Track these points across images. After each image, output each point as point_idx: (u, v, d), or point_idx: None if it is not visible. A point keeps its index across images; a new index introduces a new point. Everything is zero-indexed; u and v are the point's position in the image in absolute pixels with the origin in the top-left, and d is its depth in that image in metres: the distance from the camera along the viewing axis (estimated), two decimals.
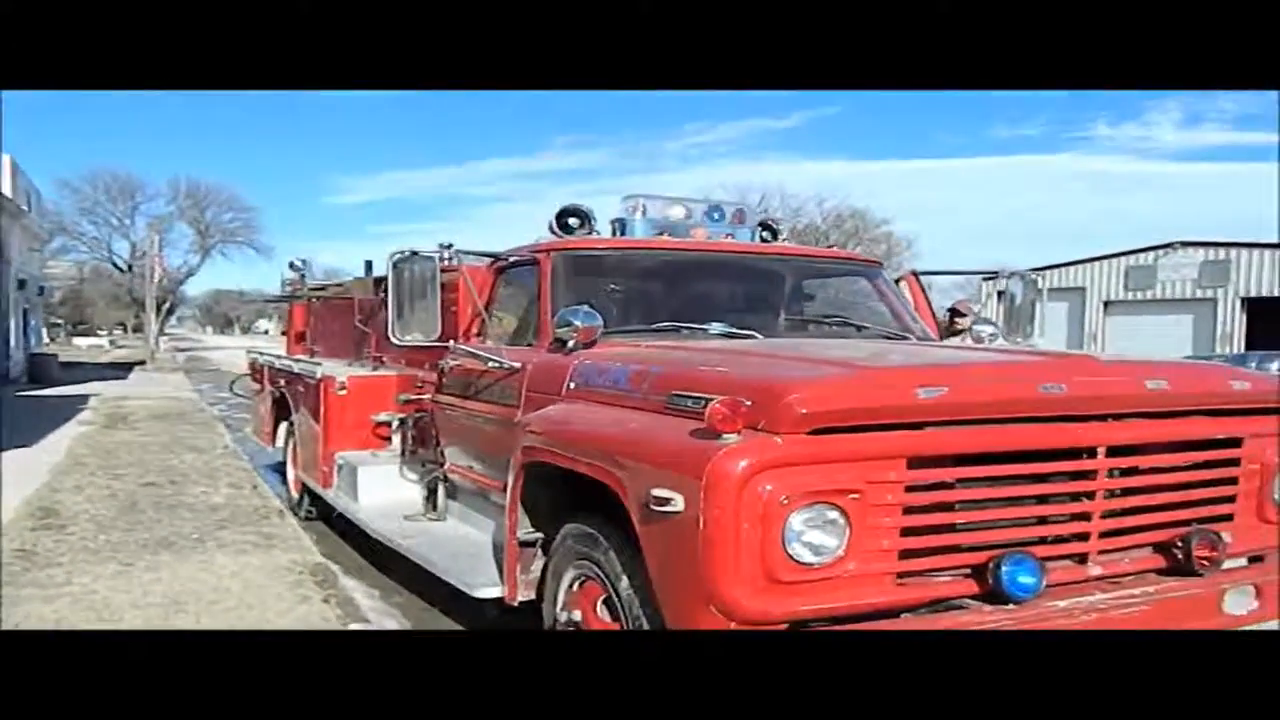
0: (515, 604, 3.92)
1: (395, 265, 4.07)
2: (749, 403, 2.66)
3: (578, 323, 3.80)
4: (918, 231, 58.15)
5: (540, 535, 3.85)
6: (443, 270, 4.40)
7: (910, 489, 2.74)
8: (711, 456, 2.57)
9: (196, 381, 23.30)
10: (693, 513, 2.59)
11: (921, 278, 5.14)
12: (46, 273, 33.98)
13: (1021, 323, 4.97)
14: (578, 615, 3.39)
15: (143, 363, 30.99)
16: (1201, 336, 29.94)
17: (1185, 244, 31.58)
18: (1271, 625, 3.30)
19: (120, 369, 27.59)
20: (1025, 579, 2.80)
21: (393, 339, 4.17)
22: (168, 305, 46.09)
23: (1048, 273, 35.08)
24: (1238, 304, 29.83)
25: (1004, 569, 2.78)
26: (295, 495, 7.40)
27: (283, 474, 7.99)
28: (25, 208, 23.23)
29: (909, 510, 2.75)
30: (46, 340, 36.64)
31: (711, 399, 2.71)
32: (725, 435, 2.61)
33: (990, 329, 4.69)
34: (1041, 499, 3.02)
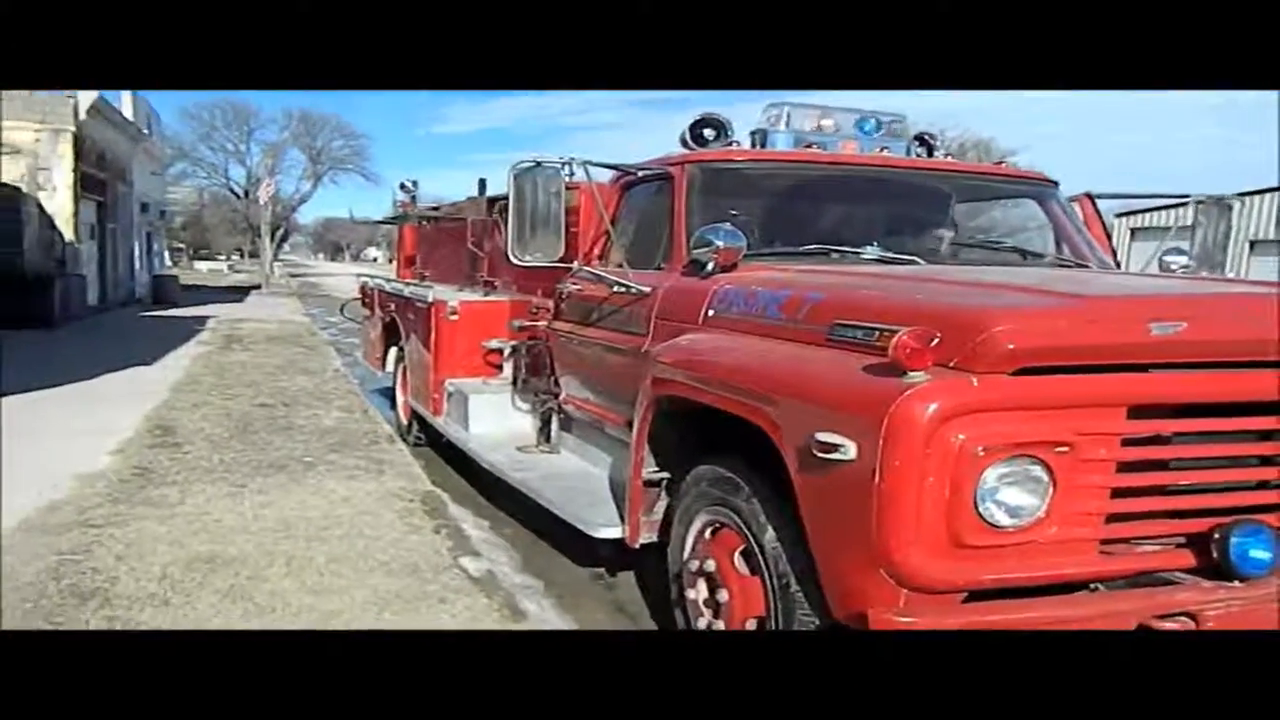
0: (635, 546, 3.64)
1: (516, 177, 3.73)
2: (939, 335, 2.24)
3: (719, 243, 3.39)
4: (1045, 165, 55.10)
5: (666, 475, 3.54)
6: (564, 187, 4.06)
7: (1126, 443, 2.30)
8: (895, 398, 2.17)
9: (309, 306, 23.79)
10: (868, 462, 2.20)
11: (1097, 200, 4.52)
12: (168, 197, 35.03)
13: (1214, 254, 4.36)
14: (711, 565, 3.05)
15: (258, 287, 31.93)
16: None
17: None
18: None
19: (237, 292, 28.44)
20: (1259, 553, 2.33)
21: (512, 258, 3.85)
22: (281, 231, 47.37)
23: (1186, 210, 32.60)
24: None
25: (1233, 539, 2.33)
26: (404, 421, 7.30)
27: (391, 399, 7.91)
28: (145, 131, 23.77)
29: (1123, 468, 2.31)
30: (169, 263, 38.03)
31: (889, 329, 2.30)
32: (911, 373, 2.20)
33: (1182, 259, 4.10)
34: (1275, 459, 2.53)
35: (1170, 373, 2.32)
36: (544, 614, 3.84)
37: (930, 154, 4.58)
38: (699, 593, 3.14)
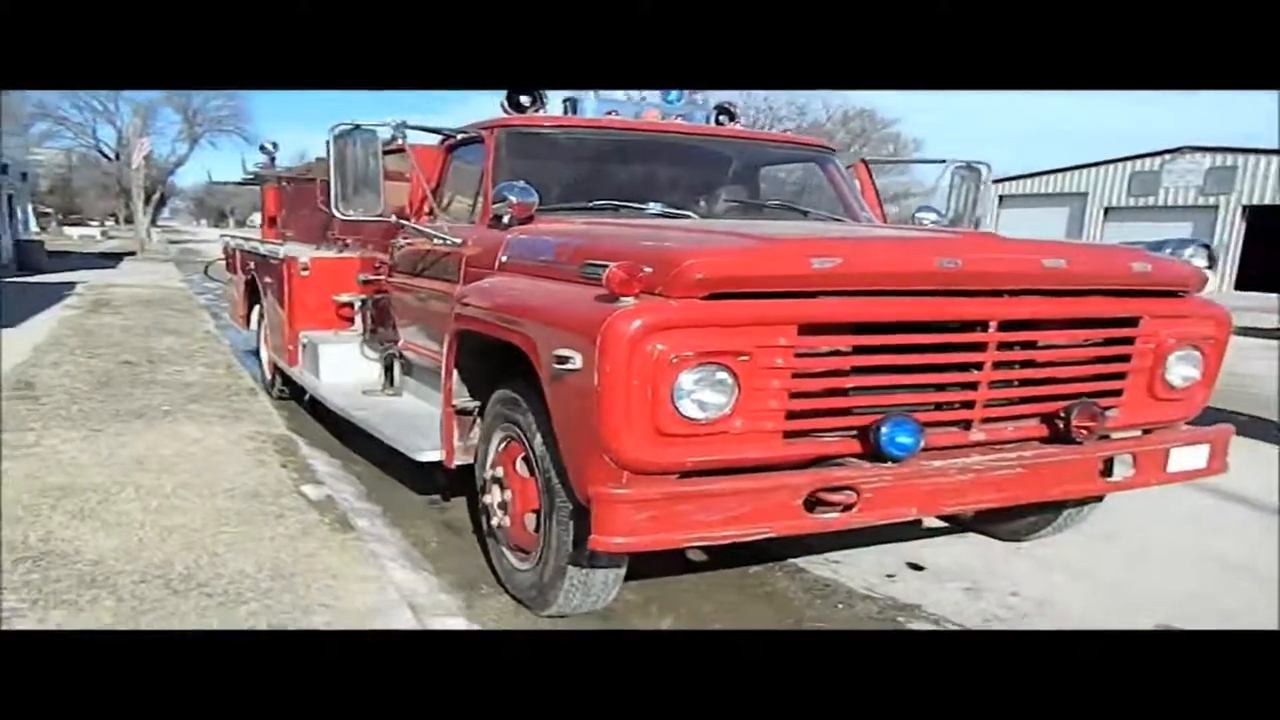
0: (453, 467, 4.16)
1: (336, 138, 4.17)
2: (648, 269, 2.81)
3: (513, 198, 3.92)
4: (928, 133, 57.10)
5: (477, 404, 4.06)
6: (396, 149, 4.51)
7: (800, 354, 2.92)
8: (606, 318, 2.74)
9: (186, 272, 23.33)
10: (589, 370, 2.78)
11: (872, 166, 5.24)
12: (31, 159, 33.53)
13: (966, 214, 5.09)
14: (500, 472, 3.64)
15: (134, 253, 30.98)
16: None
17: (1194, 149, 31.04)
18: (1143, 491, 3.55)
19: (110, 259, 27.59)
20: (903, 439, 2.99)
21: (336, 214, 4.30)
22: (158, 196, 45.64)
23: (1050, 177, 34.70)
24: (1239, 211, 29.63)
25: (884, 429, 2.98)
26: (268, 375, 7.62)
27: (258, 357, 8.20)
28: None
29: (798, 374, 2.94)
30: (36, 229, 36.31)
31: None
32: (622, 299, 2.78)
33: (932, 215, 4.82)
34: (931, 368, 3.20)
35: (832, 299, 2.95)
36: (374, 529, 4.34)
37: (731, 121, 5.20)
38: (493, 496, 3.71)
